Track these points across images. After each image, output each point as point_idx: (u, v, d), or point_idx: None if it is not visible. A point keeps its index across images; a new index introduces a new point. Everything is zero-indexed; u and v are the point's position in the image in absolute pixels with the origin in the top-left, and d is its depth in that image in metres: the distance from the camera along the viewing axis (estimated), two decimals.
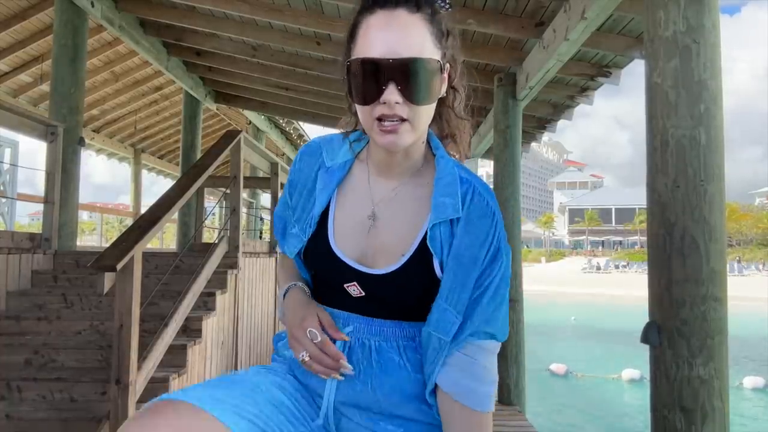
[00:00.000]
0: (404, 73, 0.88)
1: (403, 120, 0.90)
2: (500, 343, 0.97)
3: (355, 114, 0.98)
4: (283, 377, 1.03)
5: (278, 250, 1.23)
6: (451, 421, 0.95)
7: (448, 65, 0.96)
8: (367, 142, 1.06)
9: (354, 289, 0.99)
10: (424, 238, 0.96)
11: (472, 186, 0.98)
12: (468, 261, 0.94)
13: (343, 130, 1.09)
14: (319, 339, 0.95)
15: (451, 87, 1.01)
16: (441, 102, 1.00)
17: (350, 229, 1.01)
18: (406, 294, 0.98)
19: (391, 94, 0.88)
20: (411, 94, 0.89)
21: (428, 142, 1.03)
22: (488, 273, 0.95)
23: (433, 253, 0.95)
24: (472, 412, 0.94)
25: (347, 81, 0.93)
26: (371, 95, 0.89)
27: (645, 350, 1.93)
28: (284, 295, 1.06)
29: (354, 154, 1.06)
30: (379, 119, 0.90)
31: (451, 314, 0.94)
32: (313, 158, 1.08)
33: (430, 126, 1.00)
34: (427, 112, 0.93)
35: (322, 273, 1.04)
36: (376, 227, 0.99)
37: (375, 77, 0.88)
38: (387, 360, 0.99)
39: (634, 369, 9.82)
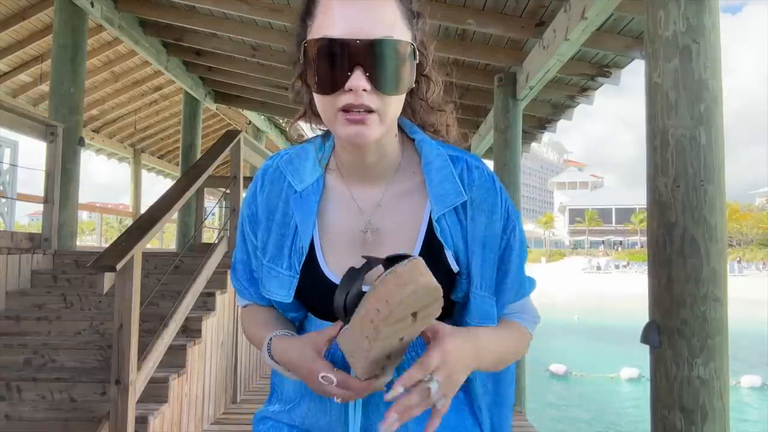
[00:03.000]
0: (373, 57, 0.76)
1: (370, 111, 0.79)
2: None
3: (311, 107, 0.86)
4: None
5: (239, 304, 1.05)
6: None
7: (418, 51, 0.87)
8: (333, 149, 0.94)
9: None
10: (427, 233, 0.88)
11: (465, 162, 0.91)
12: (491, 240, 0.88)
13: (299, 141, 0.96)
14: (334, 381, 0.80)
15: (423, 75, 0.89)
16: (411, 93, 0.90)
17: (342, 250, 0.89)
18: None
19: (359, 80, 0.76)
20: (380, 82, 0.77)
21: (400, 128, 0.93)
22: (509, 244, 0.90)
23: (444, 245, 0.87)
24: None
25: (302, 66, 0.81)
26: (335, 82, 0.77)
27: (645, 349, 1.93)
28: (269, 352, 0.90)
29: (322, 167, 0.93)
30: (344, 110, 0.79)
31: (488, 300, 0.88)
32: (277, 185, 0.93)
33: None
34: (397, 102, 0.82)
35: (321, 309, 0.91)
36: (373, 239, 0.89)
37: (339, 61, 0.76)
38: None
39: (632, 368, 9.93)
